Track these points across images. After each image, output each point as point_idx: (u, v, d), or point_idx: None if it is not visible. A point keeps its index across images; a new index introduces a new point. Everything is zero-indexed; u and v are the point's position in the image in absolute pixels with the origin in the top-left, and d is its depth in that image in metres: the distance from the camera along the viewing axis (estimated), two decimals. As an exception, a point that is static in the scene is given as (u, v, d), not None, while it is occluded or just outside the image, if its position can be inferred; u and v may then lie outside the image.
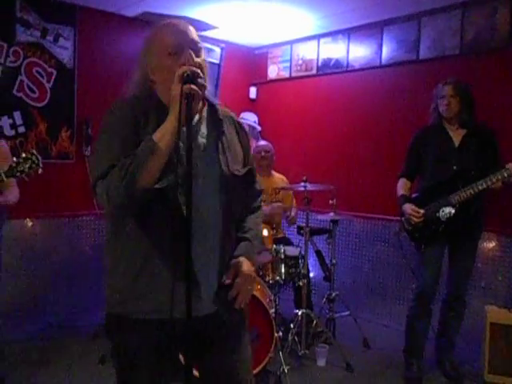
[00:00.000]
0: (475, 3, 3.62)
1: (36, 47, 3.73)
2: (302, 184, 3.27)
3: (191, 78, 1.25)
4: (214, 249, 1.44)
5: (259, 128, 5.17)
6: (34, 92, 3.74)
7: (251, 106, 5.44)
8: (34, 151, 2.38)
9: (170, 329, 1.35)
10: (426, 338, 3.09)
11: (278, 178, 4.11)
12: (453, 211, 2.91)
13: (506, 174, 2.73)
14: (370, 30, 4.37)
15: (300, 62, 5.00)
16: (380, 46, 4.29)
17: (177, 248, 1.29)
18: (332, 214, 3.59)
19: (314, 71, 4.85)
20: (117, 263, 1.44)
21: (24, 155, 2.34)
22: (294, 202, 4.13)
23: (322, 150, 4.76)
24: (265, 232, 3.16)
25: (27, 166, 2.33)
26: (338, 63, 4.64)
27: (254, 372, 2.75)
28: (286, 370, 2.93)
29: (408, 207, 3.04)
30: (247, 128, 1.61)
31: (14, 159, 2.34)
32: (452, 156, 3.00)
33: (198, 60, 1.32)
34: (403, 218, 3.12)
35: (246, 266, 1.47)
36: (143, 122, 1.36)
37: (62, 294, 3.98)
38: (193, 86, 1.24)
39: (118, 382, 1.47)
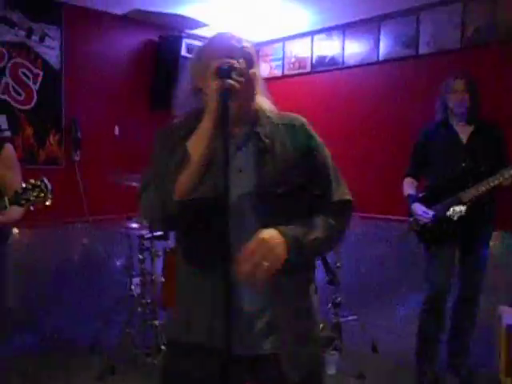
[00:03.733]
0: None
1: (21, 47, 3.54)
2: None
3: (228, 72, 1.11)
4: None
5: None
6: (19, 94, 3.55)
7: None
8: (45, 179, 2.11)
9: (212, 360, 1.20)
10: (439, 342, 3.00)
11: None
12: (464, 209, 2.82)
13: (519, 170, 2.65)
14: (366, 25, 4.27)
15: (293, 59, 4.88)
16: (377, 42, 4.19)
17: (218, 271, 1.15)
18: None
19: (308, 69, 4.74)
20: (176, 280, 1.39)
21: (33, 181, 2.08)
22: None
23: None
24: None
25: (34, 194, 2.07)
26: (333, 60, 4.53)
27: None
28: (296, 381, 2.80)
29: (418, 207, 2.95)
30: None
31: (23, 185, 2.10)
32: (460, 153, 2.91)
33: (233, 61, 1.16)
34: (412, 219, 3.02)
35: (268, 233, 1.16)
36: (182, 144, 1.22)
37: (55, 306, 3.79)
38: (231, 81, 1.11)
39: None
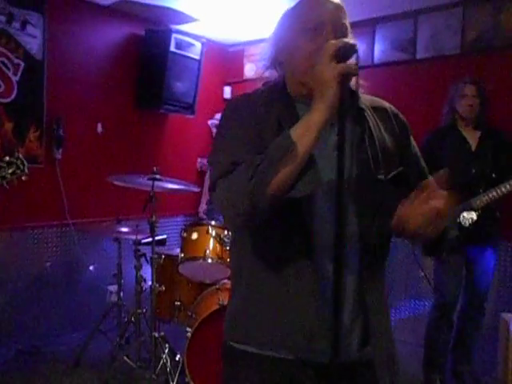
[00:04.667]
0: (477, 1, 3.55)
1: (1, 34, 3.23)
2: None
3: (349, 54, 0.97)
4: (350, 281, 1.13)
5: (236, 129, 4.89)
6: (-2, 86, 3.24)
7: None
8: (20, 155, 2.02)
9: (298, 371, 1.12)
10: (448, 351, 2.95)
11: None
12: (475, 216, 2.79)
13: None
14: (361, 27, 4.21)
15: (282, 60, 4.76)
16: (372, 45, 4.14)
17: (303, 272, 1.09)
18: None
19: (299, 70, 4.63)
20: (238, 282, 1.23)
21: (7, 158, 1.98)
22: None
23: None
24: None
25: (10, 171, 1.96)
26: (324, 62, 4.45)
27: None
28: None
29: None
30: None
31: None
32: (470, 159, 2.88)
33: (351, 41, 1.03)
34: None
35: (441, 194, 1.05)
36: (263, 118, 1.13)
37: (30, 316, 3.49)
38: (353, 65, 0.98)
39: None
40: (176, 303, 2.94)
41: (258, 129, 1.11)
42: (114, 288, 3.97)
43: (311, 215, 1.10)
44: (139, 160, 4.21)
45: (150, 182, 2.74)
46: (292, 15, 1.18)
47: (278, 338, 1.13)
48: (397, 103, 3.94)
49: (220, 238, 2.75)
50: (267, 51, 1.23)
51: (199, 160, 4.87)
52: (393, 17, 4.00)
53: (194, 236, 2.76)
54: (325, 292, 1.08)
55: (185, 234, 2.81)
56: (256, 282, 1.18)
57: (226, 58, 5.14)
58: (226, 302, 2.48)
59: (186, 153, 4.75)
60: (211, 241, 2.75)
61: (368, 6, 3.91)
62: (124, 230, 3.22)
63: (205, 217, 4.62)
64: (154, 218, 2.68)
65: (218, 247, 2.75)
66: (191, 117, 4.44)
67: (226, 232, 2.77)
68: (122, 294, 3.25)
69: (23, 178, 2.08)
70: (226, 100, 5.19)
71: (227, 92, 5.18)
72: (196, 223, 2.85)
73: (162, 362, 2.75)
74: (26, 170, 2.08)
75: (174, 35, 4.02)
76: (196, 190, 2.97)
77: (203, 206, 4.67)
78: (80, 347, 3.17)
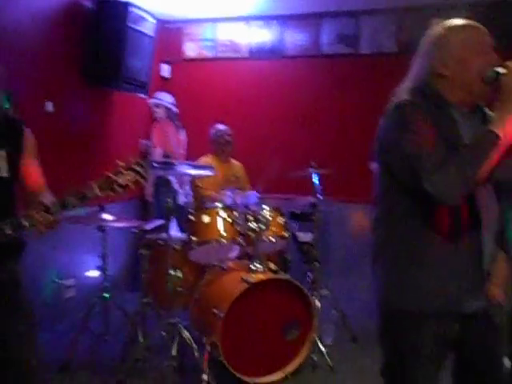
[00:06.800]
0: (410, 10, 4.06)
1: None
2: (311, 170, 3.20)
3: None
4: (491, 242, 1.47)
5: (176, 110, 4.80)
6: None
7: (164, 85, 4.99)
8: (139, 160, 1.75)
9: (450, 323, 1.44)
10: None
11: (237, 165, 3.93)
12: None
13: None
14: (307, 19, 4.45)
15: (228, 43, 4.77)
16: (318, 37, 4.42)
17: (470, 241, 1.40)
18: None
19: (246, 54, 4.70)
20: (399, 254, 1.46)
21: (123, 163, 1.69)
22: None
23: (252, 137, 4.62)
24: (279, 219, 2.99)
25: (129, 177, 1.68)
26: (272, 48, 4.61)
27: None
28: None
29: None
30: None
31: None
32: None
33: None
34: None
35: None
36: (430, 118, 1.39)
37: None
38: None
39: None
40: (178, 289, 2.88)
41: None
42: (70, 282, 3.73)
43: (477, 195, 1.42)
44: (89, 141, 3.95)
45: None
46: (461, 40, 1.45)
47: (441, 297, 1.41)
48: (340, 93, 4.27)
49: (232, 219, 2.78)
50: (421, 64, 1.51)
51: (142, 142, 4.69)
52: (337, 13, 4.33)
53: (206, 219, 2.75)
54: (482, 257, 1.43)
55: (194, 218, 2.77)
56: (426, 252, 1.42)
57: (163, 36, 4.96)
58: (252, 280, 2.54)
59: (129, 133, 4.55)
60: (223, 222, 2.77)
61: (313, 0, 4.14)
62: (107, 217, 3.01)
63: (153, 199, 4.51)
64: (170, 204, 2.61)
65: (230, 228, 2.78)
66: (141, 96, 4.27)
67: (235, 213, 2.82)
68: (108, 284, 3.04)
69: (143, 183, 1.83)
70: (164, 78, 5.00)
71: (165, 70, 5.02)
72: (203, 206, 2.84)
73: (175, 347, 2.67)
74: (146, 177, 1.82)
75: (131, 9, 3.78)
76: (211, 173, 2.92)
77: (150, 189, 4.54)
78: (56, 348, 2.93)
